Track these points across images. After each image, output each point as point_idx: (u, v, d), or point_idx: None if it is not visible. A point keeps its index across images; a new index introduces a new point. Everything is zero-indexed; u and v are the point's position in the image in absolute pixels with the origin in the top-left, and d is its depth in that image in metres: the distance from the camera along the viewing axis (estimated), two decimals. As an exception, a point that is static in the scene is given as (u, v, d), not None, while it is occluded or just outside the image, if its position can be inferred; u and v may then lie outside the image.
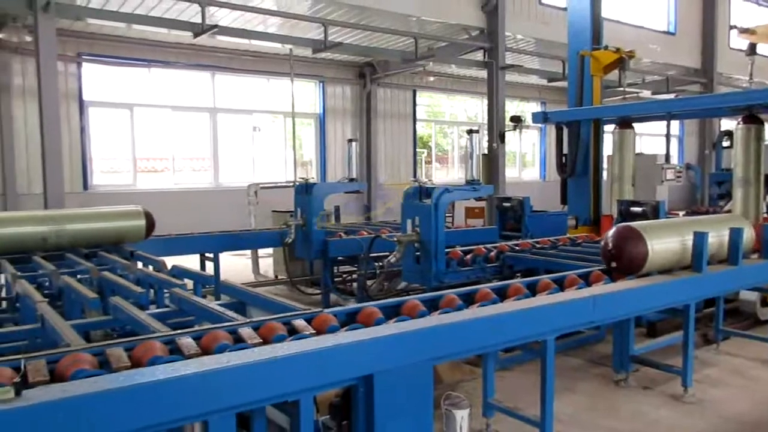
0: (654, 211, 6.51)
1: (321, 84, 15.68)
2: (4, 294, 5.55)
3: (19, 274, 4.65)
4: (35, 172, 11.04)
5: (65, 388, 2.08)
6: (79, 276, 4.91)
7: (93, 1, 10.08)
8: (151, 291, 4.42)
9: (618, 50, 8.79)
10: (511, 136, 13.64)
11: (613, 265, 4.19)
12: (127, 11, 10.29)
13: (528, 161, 21.37)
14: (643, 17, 17.68)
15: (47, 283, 4.89)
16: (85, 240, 5.75)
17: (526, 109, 19.45)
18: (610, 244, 4.20)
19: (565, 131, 8.99)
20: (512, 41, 14.23)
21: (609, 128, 8.65)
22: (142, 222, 6.02)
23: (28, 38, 9.95)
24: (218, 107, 14.14)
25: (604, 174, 8.86)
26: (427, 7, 12.33)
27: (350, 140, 7.98)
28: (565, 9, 10.02)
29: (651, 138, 19.36)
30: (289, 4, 11.18)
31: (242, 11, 10.59)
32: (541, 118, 9.62)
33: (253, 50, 13.75)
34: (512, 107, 19.31)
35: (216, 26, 9.91)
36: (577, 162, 8.75)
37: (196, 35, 9.93)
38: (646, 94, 18.67)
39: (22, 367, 2.20)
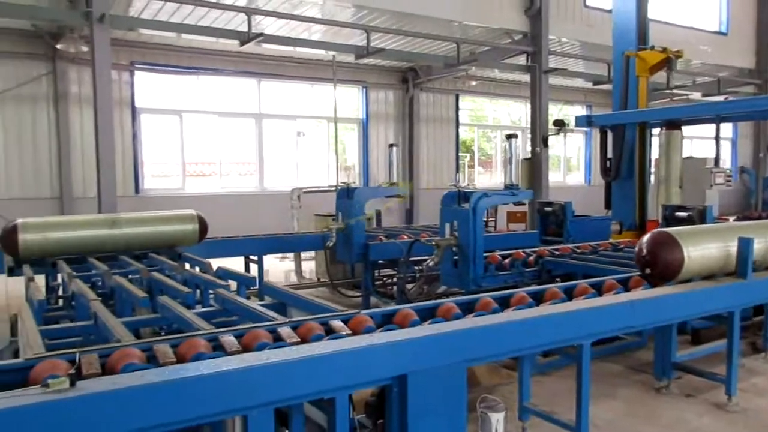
0: (700, 216, 6.38)
1: (364, 89, 15.85)
2: (60, 293, 5.85)
3: (74, 273, 4.89)
4: (90, 176, 11.51)
5: (115, 381, 2.22)
6: (130, 276, 5.14)
7: (145, 12, 10.48)
8: (198, 291, 4.61)
9: (665, 50, 8.62)
10: (555, 140, 13.50)
11: (648, 271, 4.11)
12: (177, 21, 10.67)
13: (573, 165, 21.07)
14: (693, 18, 17.23)
15: (100, 283, 5.14)
16: (141, 243, 5.96)
17: (571, 112, 19.19)
18: (645, 250, 4.13)
19: (610, 134, 8.86)
20: (557, 44, 14.10)
21: (657, 131, 8.49)
22: (196, 226, 6.21)
23: (85, 48, 10.39)
24: (263, 113, 14.46)
25: (652, 178, 8.69)
26: (469, 12, 12.34)
27: (391, 145, 8.08)
28: (610, 11, 9.87)
29: (702, 141, 18.82)
30: (333, 11, 11.37)
31: (287, 20, 10.84)
32: (585, 121, 9.51)
33: (297, 57, 14.02)
34: (557, 111, 19.11)
35: (261, 34, 10.16)
36: (621, 165, 8.61)
37: (242, 43, 10.20)
38: (696, 96, 18.17)
39: (77, 360, 2.36)
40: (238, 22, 10.58)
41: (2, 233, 5.47)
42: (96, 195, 8.92)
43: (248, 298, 4.53)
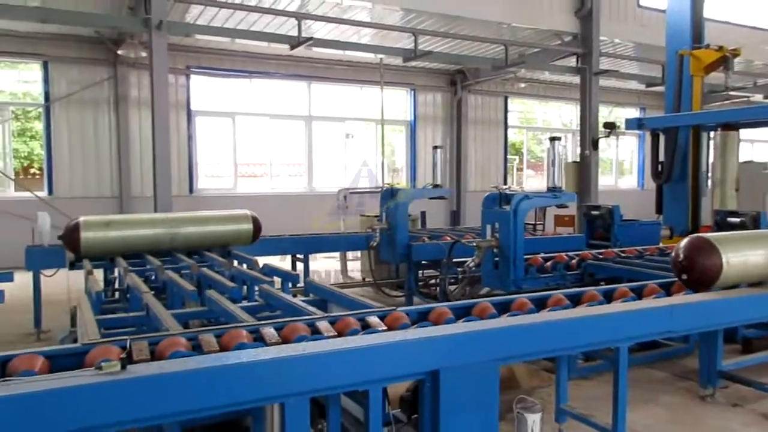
0: (754, 222, 6.18)
1: (412, 91, 15.94)
2: (116, 286, 6.16)
3: (129, 268, 5.16)
4: (147, 176, 11.99)
5: (162, 366, 2.38)
6: (181, 271, 5.38)
7: (200, 18, 10.87)
8: (244, 287, 4.79)
9: (721, 48, 8.36)
10: (607, 144, 13.26)
11: (684, 277, 3.99)
12: (230, 26, 11.03)
13: (626, 169, 20.59)
14: (757, 18, 16.58)
15: (153, 277, 5.39)
16: (197, 243, 6.13)
17: (624, 114, 18.77)
18: (681, 255, 3.99)
19: (662, 137, 8.67)
20: (609, 46, 13.84)
21: (713, 133, 8.25)
22: (250, 226, 6.34)
23: (144, 53, 10.85)
24: (313, 115, 14.73)
25: (709, 183, 8.44)
26: (519, 14, 12.25)
27: (435, 147, 8.13)
28: (664, 11, 9.65)
29: (764, 144, 18.10)
30: (382, 15, 11.50)
31: (336, 24, 11.04)
32: (636, 124, 9.32)
33: (346, 60, 14.24)
34: (608, 113, 18.74)
35: (311, 38, 10.38)
36: (673, 169, 8.40)
37: (293, 47, 10.44)
38: (758, 98, 17.48)
39: (128, 346, 2.53)
40: (289, 27, 10.84)
41: (65, 231, 5.70)
42: (152, 194, 9.30)
43: (294, 295, 4.67)
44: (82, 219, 5.71)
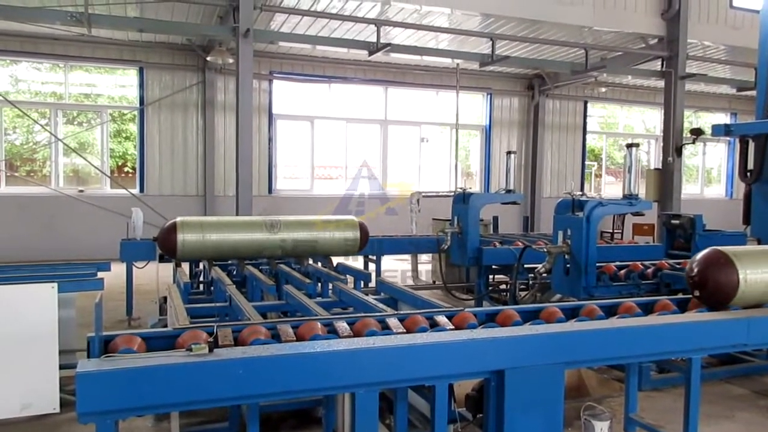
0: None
1: (489, 96, 15.89)
2: (201, 278, 6.56)
3: (214, 262, 5.50)
4: (230, 176, 12.60)
5: (245, 351, 2.59)
6: (260, 267, 5.68)
7: (284, 26, 11.31)
8: (318, 283, 5.02)
9: None
10: (694, 150, 12.73)
11: (696, 294, 3.68)
12: (312, 34, 11.41)
13: (714, 178, 19.64)
14: None
15: (235, 272, 5.72)
16: (300, 251, 5.62)
17: (713, 120, 17.93)
18: (695, 270, 3.68)
19: (752, 144, 8.27)
20: (698, 49, 13.28)
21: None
22: (357, 233, 5.79)
23: (230, 60, 11.41)
24: (389, 119, 14.97)
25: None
26: (603, 18, 11.96)
27: (509, 152, 8.11)
28: (758, 11, 9.19)
29: None
30: (460, 20, 11.57)
31: (415, 29, 11.20)
32: (723, 130, 8.92)
33: (423, 65, 14.38)
34: (695, 119, 17.95)
35: (389, 44, 10.60)
36: (762, 172, 7.98)
37: (371, 53, 10.70)
38: None
39: (215, 332, 2.76)
40: (369, 33, 11.10)
41: (161, 233, 5.39)
42: (234, 194, 9.76)
43: (366, 294, 4.85)
44: (179, 220, 5.36)
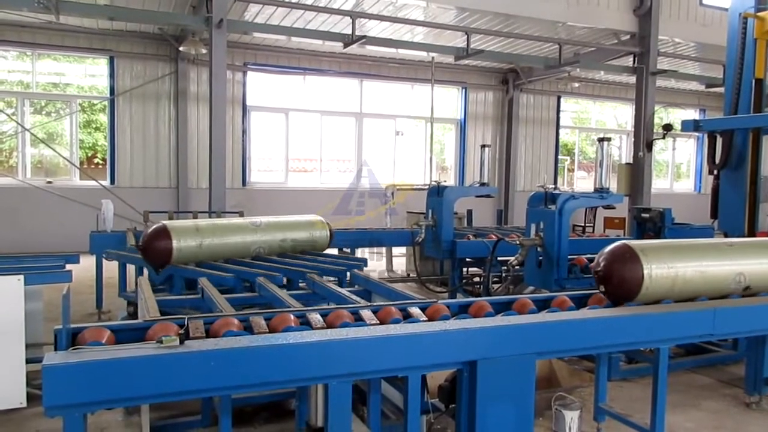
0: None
1: (464, 90, 15.95)
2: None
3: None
4: (203, 169, 12.46)
5: (216, 342, 2.57)
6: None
7: (258, 16, 11.19)
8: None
9: None
10: (664, 146, 12.95)
11: (602, 288, 3.59)
12: (287, 25, 11.31)
13: (683, 172, 20.03)
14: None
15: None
16: (280, 251, 5.65)
17: (682, 116, 18.28)
18: (600, 264, 3.58)
19: (719, 140, 8.42)
20: (669, 45, 13.50)
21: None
22: (327, 233, 5.96)
23: (203, 50, 11.26)
24: (364, 112, 14.93)
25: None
26: (576, 13, 12.10)
27: (483, 146, 8.16)
28: (727, 9, 9.33)
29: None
30: (436, 13, 11.58)
31: (390, 22, 11.18)
32: (692, 126, 9.09)
33: (399, 58, 14.37)
34: (666, 115, 18.27)
35: (365, 37, 10.56)
36: (728, 165, 8.13)
37: (346, 45, 10.65)
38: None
39: (186, 324, 2.73)
40: (344, 25, 11.05)
41: (148, 240, 4.96)
42: (207, 186, 9.66)
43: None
44: (168, 224, 5.07)
